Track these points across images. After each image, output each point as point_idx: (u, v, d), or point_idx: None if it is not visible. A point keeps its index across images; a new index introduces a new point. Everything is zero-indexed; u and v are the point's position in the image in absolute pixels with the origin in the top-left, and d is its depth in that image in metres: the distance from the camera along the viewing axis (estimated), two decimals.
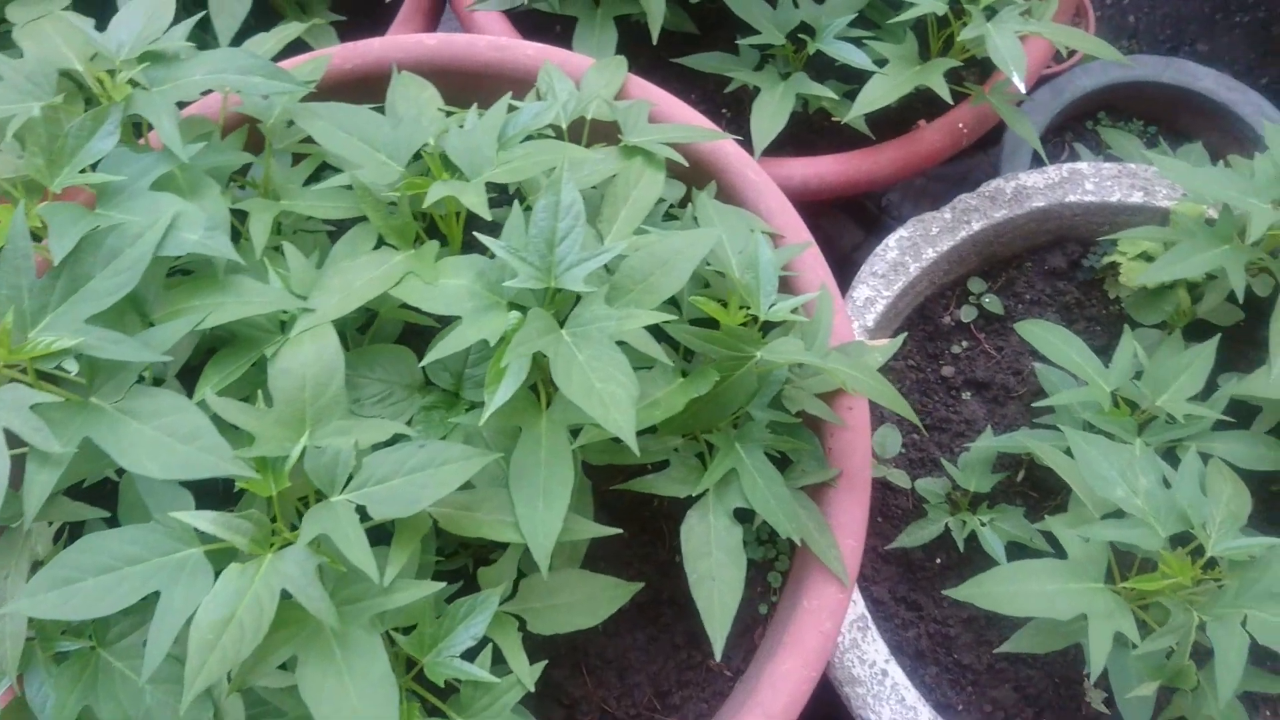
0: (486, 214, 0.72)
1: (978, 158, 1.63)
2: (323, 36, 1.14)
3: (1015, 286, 1.15)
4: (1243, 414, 1.00)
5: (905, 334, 0.99)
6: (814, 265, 0.90)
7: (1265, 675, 0.89)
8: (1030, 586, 0.82)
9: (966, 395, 1.11)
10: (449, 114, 0.87)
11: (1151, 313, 1.08)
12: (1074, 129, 1.52)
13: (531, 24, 1.17)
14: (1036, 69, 1.10)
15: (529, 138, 0.86)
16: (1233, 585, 0.80)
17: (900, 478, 1.03)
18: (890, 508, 1.07)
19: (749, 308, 0.77)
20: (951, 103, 1.01)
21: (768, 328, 0.87)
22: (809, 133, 1.17)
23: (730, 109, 1.18)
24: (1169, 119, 1.53)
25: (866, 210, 1.69)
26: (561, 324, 0.71)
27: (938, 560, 1.05)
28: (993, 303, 1.13)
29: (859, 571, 1.05)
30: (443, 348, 0.69)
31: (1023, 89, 0.96)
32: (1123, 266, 1.09)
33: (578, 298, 0.72)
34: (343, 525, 0.63)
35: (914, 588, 1.04)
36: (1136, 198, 1.11)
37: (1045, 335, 1.00)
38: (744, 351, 0.76)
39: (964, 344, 1.13)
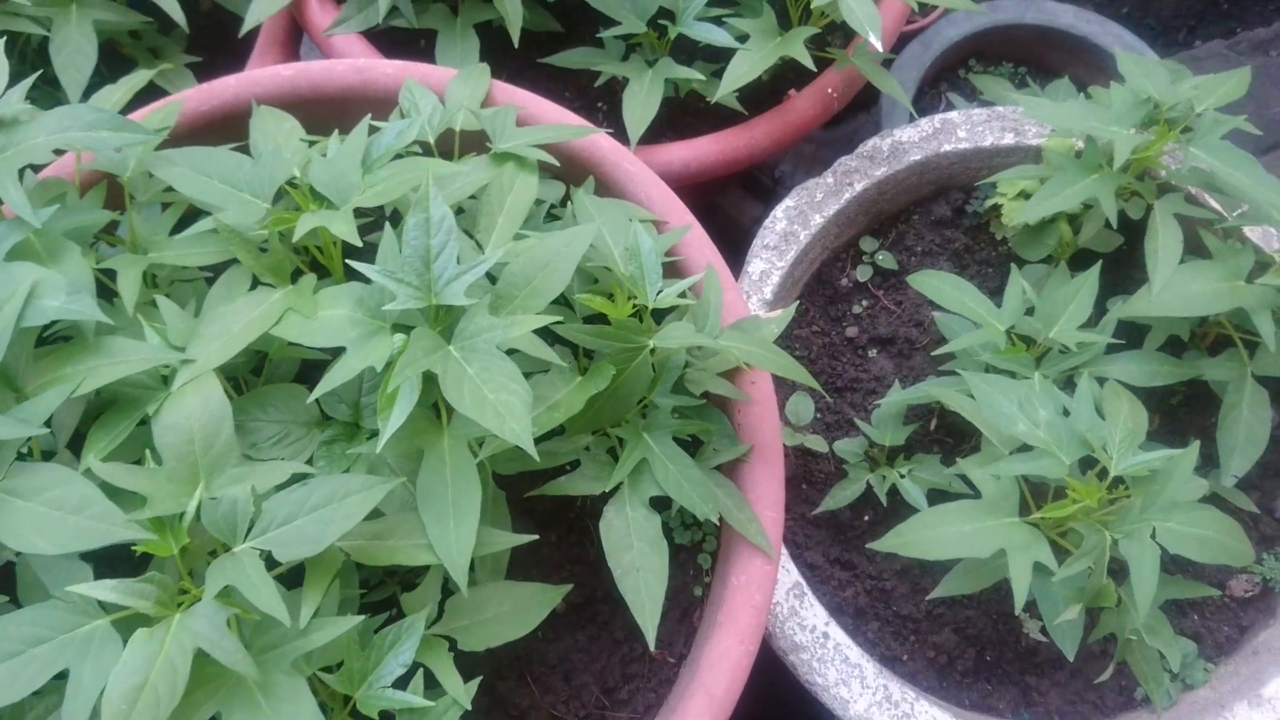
0: (356, 240, 0.71)
1: (861, 118, 1.65)
2: (180, 80, 1.12)
3: (906, 240, 1.17)
4: (1135, 334, 1.03)
5: (798, 302, 1.01)
6: (700, 246, 0.91)
7: (1186, 582, 0.92)
8: (948, 529, 0.83)
9: (873, 353, 1.13)
10: (312, 143, 0.86)
11: (1037, 248, 1.10)
12: (948, 79, 1.56)
13: (394, 42, 1.16)
14: (895, 27, 1.11)
15: (398, 156, 0.86)
16: (1138, 500, 0.83)
17: (818, 443, 1.05)
18: (813, 473, 1.08)
19: (637, 298, 0.78)
20: (816, 70, 1.03)
21: (661, 315, 0.87)
22: (687, 115, 1.18)
23: (605, 102, 1.18)
24: (1037, 58, 1.57)
25: (762, 183, 1.70)
26: (450, 340, 0.70)
27: (865, 517, 1.06)
28: (886, 259, 1.15)
29: (792, 540, 1.07)
30: (328, 380, 0.68)
31: (879, 47, 0.97)
32: (1004, 207, 1.12)
33: (463, 311, 0.72)
34: (248, 574, 0.62)
35: (846, 548, 1.05)
36: (1009, 139, 1.13)
37: (937, 284, 1.02)
38: (636, 342, 0.76)
39: (864, 303, 1.15)
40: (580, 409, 0.75)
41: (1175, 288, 0.94)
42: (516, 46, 1.04)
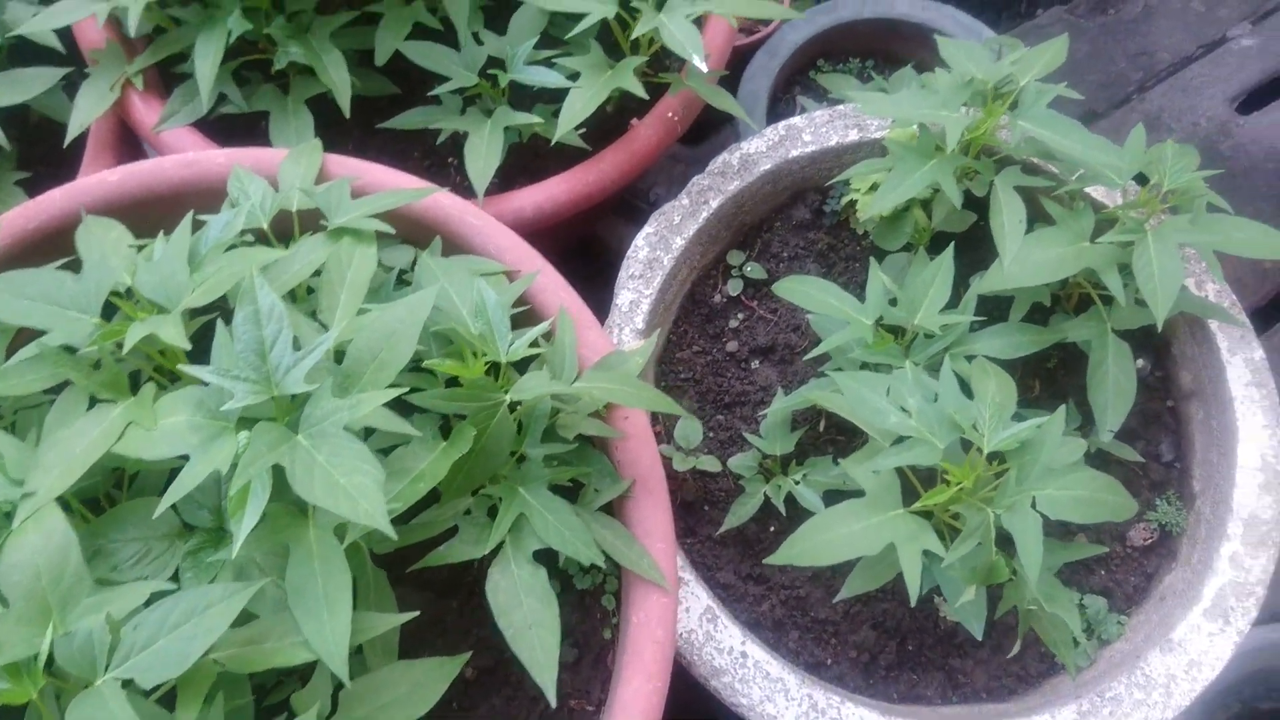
0: (185, 344, 0.70)
1: (725, 131, 1.67)
2: (11, 199, 1.09)
3: (771, 248, 1.18)
4: (1002, 307, 1.05)
5: (659, 330, 1.01)
6: (554, 290, 0.91)
7: (1072, 545, 0.93)
8: (838, 531, 0.84)
9: (756, 364, 1.14)
10: (142, 247, 0.84)
11: (896, 237, 1.12)
12: (800, 82, 1.58)
13: (232, 128, 1.14)
14: (724, 45, 1.13)
15: (231, 248, 0.84)
16: (1014, 472, 0.84)
17: (711, 463, 1.05)
18: (713, 493, 1.08)
19: (488, 355, 0.77)
20: (649, 99, 1.04)
21: (525, 365, 0.87)
22: (539, 158, 1.18)
23: (455, 156, 1.18)
24: (882, 50, 1.60)
25: (638, 208, 1.71)
26: (298, 428, 0.69)
27: (771, 529, 1.07)
28: (755, 270, 1.16)
29: (702, 563, 1.06)
30: (173, 493, 0.66)
31: (703, 69, 0.98)
32: (859, 202, 1.14)
33: (307, 398, 0.71)
34: (110, 709, 0.59)
35: (756, 562, 1.06)
36: (853, 136, 1.15)
37: (800, 288, 1.03)
38: (491, 399, 0.76)
39: (740, 316, 1.16)
40: (445, 475, 0.74)
41: (1024, 258, 0.96)
42: (349, 117, 1.03)
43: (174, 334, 0.71)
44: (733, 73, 1.53)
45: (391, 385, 0.72)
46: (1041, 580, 0.86)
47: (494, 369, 0.79)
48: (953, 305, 1.03)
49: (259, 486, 0.67)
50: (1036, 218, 1.04)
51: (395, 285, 0.91)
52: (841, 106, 1.18)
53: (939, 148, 1.02)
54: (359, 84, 1.10)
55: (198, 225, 0.83)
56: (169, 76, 1.13)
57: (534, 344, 0.79)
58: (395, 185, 0.94)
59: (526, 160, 1.17)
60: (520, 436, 0.81)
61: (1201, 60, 1.98)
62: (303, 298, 0.86)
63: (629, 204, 1.70)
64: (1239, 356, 1.05)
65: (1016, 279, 0.96)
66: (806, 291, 1.03)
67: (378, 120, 1.15)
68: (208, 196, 0.94)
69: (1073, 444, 0.94)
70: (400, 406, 0.75)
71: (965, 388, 0.93)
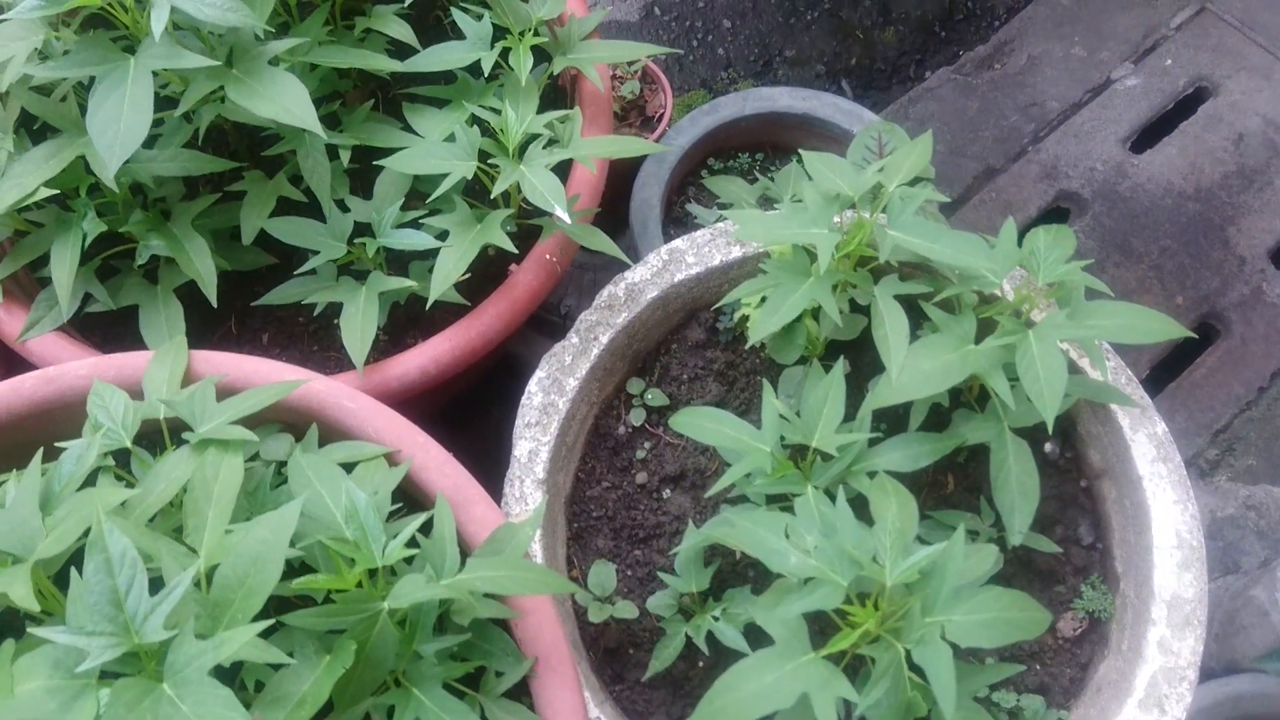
0: (34, 605, 0.67)
1: (624, 238, 1.67)
2: None
3: (670, 371, 1.17)
4: (902, 411, 1.04)
5: (546, 498, 0.99)
6: (437, 467, 0.89)
7: (990, 667, 0.92)
8: (752, 686, 0.82)
9: (667, 493, 1.12)
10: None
11: (790, 350, 1.12)
12: (693, 184, 1.59)
13: (103, 325, 1.12)
14: (595, 182, 1.13)
15: (95, 471, 0.82)
16: (919, 603, 0.82)
17: (627, 609, 1.02)
18: (637, 636, 1.05)
19: (362, 563, 0.75)
20: (515, 251, 1.03)
21: (411, 559, 0.84)
22: (424, 310, 1.16)
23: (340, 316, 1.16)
24: (770, 141, 1.62)
25: (551, 322, 1.70)
26: (164, 677, 0.66)
27: (700, 664, 1.04)
28: (655, 397, 1.15)
29: (633, 710, 1.04)
30: None
31: (567, 219, 0.98)
32: (751, 318, 1.13)
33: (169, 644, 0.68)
34: None
35: (689, 703, 1.03)
36: (735, 253, 1.15)
37: (696, 421, 1.01)
38: (368, 610, 0.73)
39: (646, 445, 1.14)
40: (329, 693, 0.72)
41: (910, 370, 0.96)
42: (215, 307, 1.01)
43: (22, 594, 0.68)
44: (624, 181, 1.54)
45: (261, 612, 0.69)
46: (961, 708, 0.85)
47: (374, 572, 0.77)
48: (851, 417, 1.02)
49: None
50: (924, 319, 1.04)
51: (274, 481, 0.88)
52: (720, 224, 1.18)
53: (815, 263, 1.02)
54: (230, 262, 1.08)
55: (55, 454, 0.81)
56: (38, 280, 1.11)
57: (413, 540, 0.77)
58: (266, 377, 0.92)
59: (415, 311, 1.15)
60: (409, 636, 0.78)
61: (1090, 105, 2.02)
62: (171, 511, 0.83)
63: (541, 318, 1.69)
64: (1142, 433, 1.05)
65: (905, 391, 0.95)
66: (703, 424, 1.01)
67: (259, 289, 1.14)
68: (73, 411, 0.91)
69: (983, 553, 0.93)
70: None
71: (867, 511, 0.92)
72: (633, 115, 1.61)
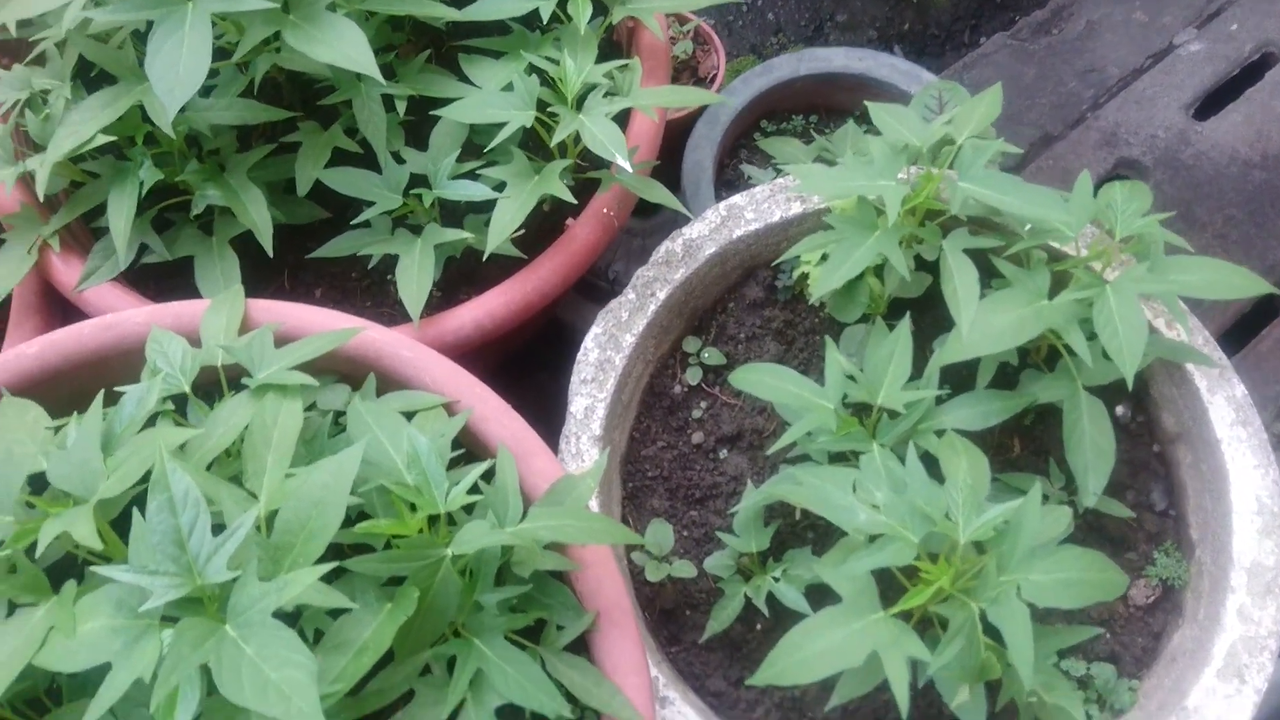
0: (97, 543, 0.66)
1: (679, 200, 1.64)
2: None
3: (728, 330, 1.15)
4: (969, 369, 1.01)
5: (607, 449, 0.97)
6: (496, 418, 0.87)
7: (1066, 629, 0.89)
8: (818, 645, 0.79)
9: (724, 453, 1.10)
10: (60, 428, 0.80)
11: (852, 308, 1.09)
12: (745, 145, 1.56)
13: (158, 276, 1.11)
14: (653, 134, 1.10)
15: (154, 416, 0.81)
16: (994, 560, 0.80)
17: (685, 569, 1.00)
18: (694, 597, 1.03)
19: (425, 508, 0.73)
20: (576, 202, 1.01)
21: (471, 507, 0.83)
22: (479, 265, 1.14)
23: (394, 272, 1.14)
24: (824, 103, 1.58)
25: (600, 287, 1.68)
26: (226, 618, 0.65)
27: (758, 626, 1.02)
28: (712, 356, 1.13)
29: (690, 672, 1.02)
30: (97, 705, 0.62)
31: (628, 168, 0.95)
32: (811, 275, 1.10)
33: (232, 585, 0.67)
34: None
35: (746, 665, 1.01)
36: (796, 209, 1.12)
37: (757, 378, 0.99)
38: (431, 557, 0.72)
39: (703, 405, 1.12)
40: (391, 641, 0.70)
41: (981, 325, 0.93)
42: (272, 257, 1.00)
43: (86, 533, 0.67)
44: (676, 143, 1.51)
45: (322, 559, 0.68)
46: (1038, 671, 0.82)
47: (435, 519, 0.75)
48: (917, 375, 0.99)
49: (188, 690, 0.63)
50: (991, 276, 1.00)
51: (331, 431, 0.87)
52: (780, 179, 1.15)
53: (882, 216, 0.99)
54: (284, 216, 1.07)
55: (114, 399, 0.80)
56: (92, 231, 1.10)
57: (474, 488, 0.75)
58: (323, 326, 0.91)
59: (470, 267, 1.14)
60: (470, 586, 0.77)
61: (1151, 71, 1.96)
62: (230, 459, 0.82)
63: (590, 284, 1.67)
64: (1220, 395, 1.01)
65: (976, 347, 0.92)
66: (763, 380, 0.99)
67: (312, 244, 1.12)
68: (131, 358, 0.91)
69: (1056, 515, 0.90)
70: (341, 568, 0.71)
71: (936, 466, 0.90)
72: (685, 77, 1.58)
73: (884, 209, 0.97)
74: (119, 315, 0.92)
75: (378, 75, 0.91)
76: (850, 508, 0.83)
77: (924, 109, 1.35)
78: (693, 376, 1.13)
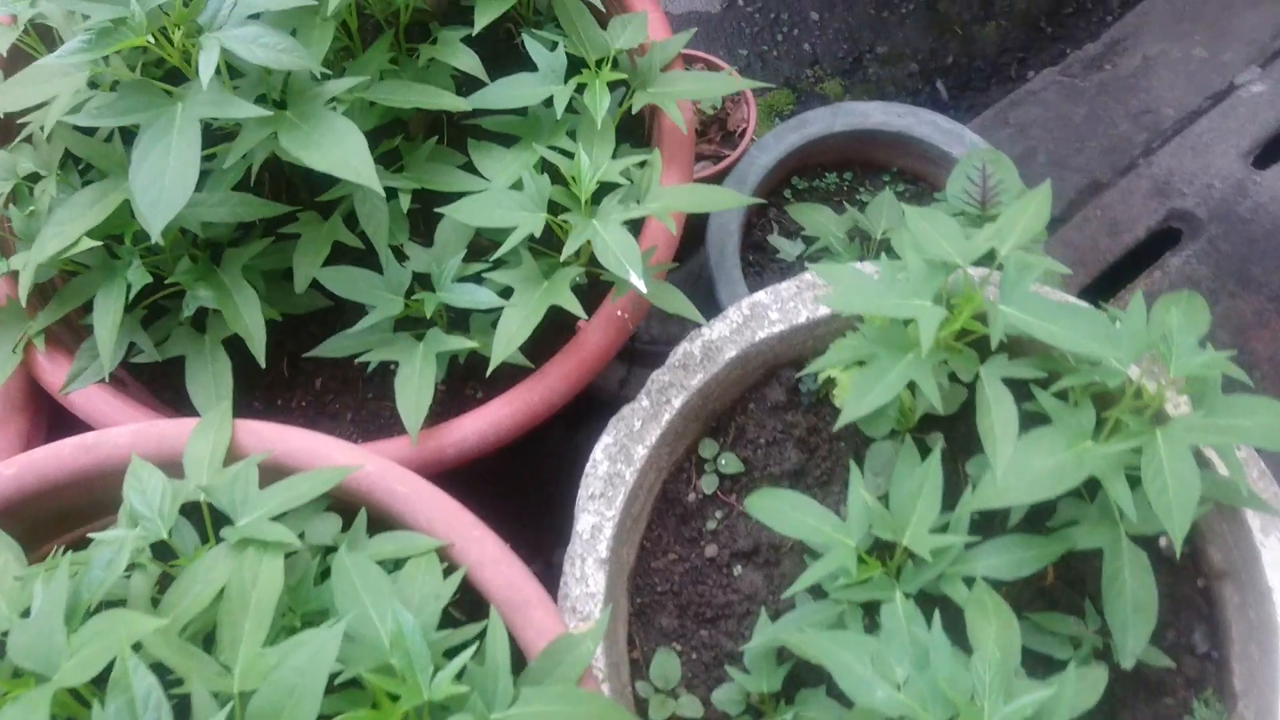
0: None
1: (698, 257, 1.57)
2: None
3: (747, 433, 1.08)
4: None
5: (610, 606, 0.91)
6: (493, 563, 0.82)
7: None
8: None
9: (739, 569, 1.04)
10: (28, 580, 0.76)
11: (881, 423, 1.02)
12: (775, 203, 1.48)
13: (149, 374, 1.07)
14: (667, 247, 1.03)
15: (132, 567, 0.77)
16: None
17: (692, 707, 0.95)
18: None
19: (408, 697, 0.68)
20: (585, 316, 0.95)
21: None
22: (485, 363, 1.08)
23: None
24: (860, 158, 1.50)
25: (628, 347, 1.62)
26: None
27: None
28: (729, 463, 1.07)
29: None
30: None
31: (643, 288, 0.89)
32: (838, 382, 1.04)
33: None
34: None
35: None
36: (823, 311, 1.05)
37: (774, 506, 0.93)
38: None
39: (718, 515, 1.06)
40: None
41: (1019, 468, 0.86)
42: (264, 366, 0.95)
43: None
44: None
45: None
46: None
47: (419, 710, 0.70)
48: (946, 503, 0.93)
49: None
50: (1028, 394, 0.93)
51: (317, 574, 0.82)
52: (807, 276, 1.08)
53: (914, 333, 0.92)
54: (281, 308, 1.02)
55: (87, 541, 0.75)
56: (81, 327, 1.05)
57: (460, 672, 0.70)
58: (314, 453, 0.86)
59: (476, 359, 1.08)
60: None
61: (1210, 113, 1.85)
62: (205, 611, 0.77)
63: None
64: (1274, 537, 0.94)
65: (1013, 494, 0.85)
66: (781, 510, 0.93)
67: (314, 328, 1.08)
68: (111, 480, 0.86)
69: (1090, 681, 0.84)
70: None
71: (961, 619, 0.84)
72: (713, 130, 1.51)
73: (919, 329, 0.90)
74: (101, 435, 0.87)
75: (377, 187, 0.85)
76: (868, 681, 0.77)
77: (965, 179, 1.28)
78: (708, 485, 1.07)
